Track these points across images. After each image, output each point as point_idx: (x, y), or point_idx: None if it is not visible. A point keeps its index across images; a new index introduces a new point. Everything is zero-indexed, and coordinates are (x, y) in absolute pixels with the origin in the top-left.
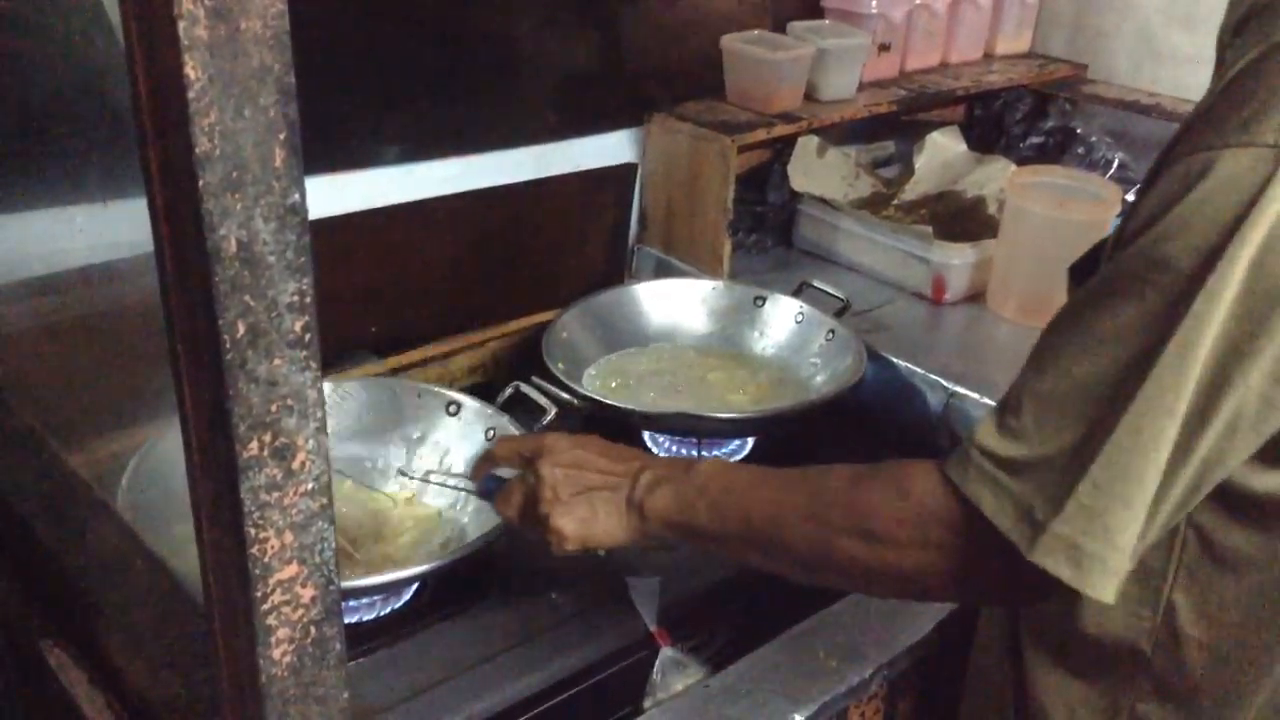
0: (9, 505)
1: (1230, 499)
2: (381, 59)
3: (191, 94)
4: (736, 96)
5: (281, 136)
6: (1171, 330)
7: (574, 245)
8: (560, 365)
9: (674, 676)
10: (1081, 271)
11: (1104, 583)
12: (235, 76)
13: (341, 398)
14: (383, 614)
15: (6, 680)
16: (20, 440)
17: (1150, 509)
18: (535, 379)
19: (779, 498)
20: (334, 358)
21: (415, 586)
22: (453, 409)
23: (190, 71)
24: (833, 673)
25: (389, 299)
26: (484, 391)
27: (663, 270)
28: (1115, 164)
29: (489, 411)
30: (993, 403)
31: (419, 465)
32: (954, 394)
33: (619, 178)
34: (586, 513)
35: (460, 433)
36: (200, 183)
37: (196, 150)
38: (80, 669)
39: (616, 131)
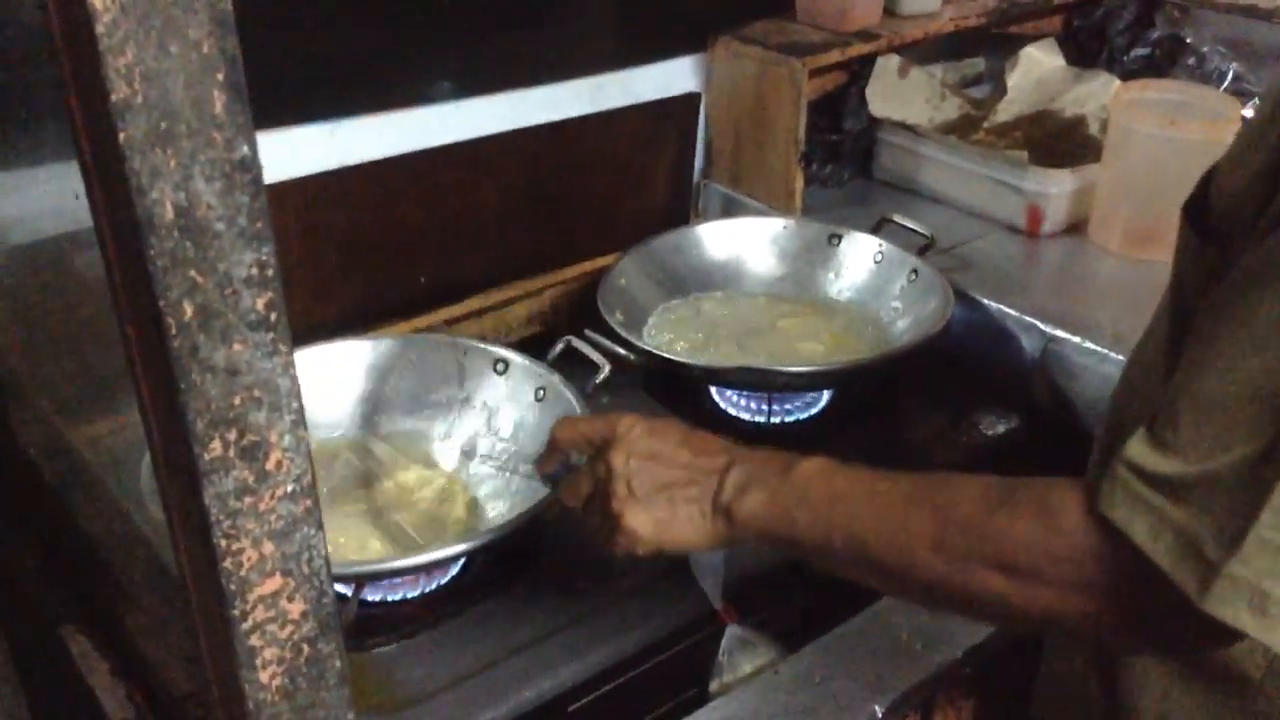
0: (41, 480)
1: None
2: None
3: (100, 28)
4: (807, 14)
5: (220, 76)
6: None
7: (635, 184)
8: (618, 315)
9: (742, 656)
10: (1197, 209)
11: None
12: (155, 4)
13: (380, 357)
14: (427, 590)
15: (28, 664)
16: (45, 419)
17: None
18: (589, 332)
19: (900, 521)
20: (381, 310)
21: (460, 563)
22: (500, 367)
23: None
24: (917, 656)
25: (438, 246)
26: (542, 343)
27: (730, 208)
28: (1230, 76)
29: (539, 370)
30: (1096, 348)
31: (464, 428)
32: (1052, 338)
33: (681, 109)
34: (665, 513)
35: (508, 393)
36: (122, 136)
37: (113, 97)
38: (102, 658)
39: (677, 58)
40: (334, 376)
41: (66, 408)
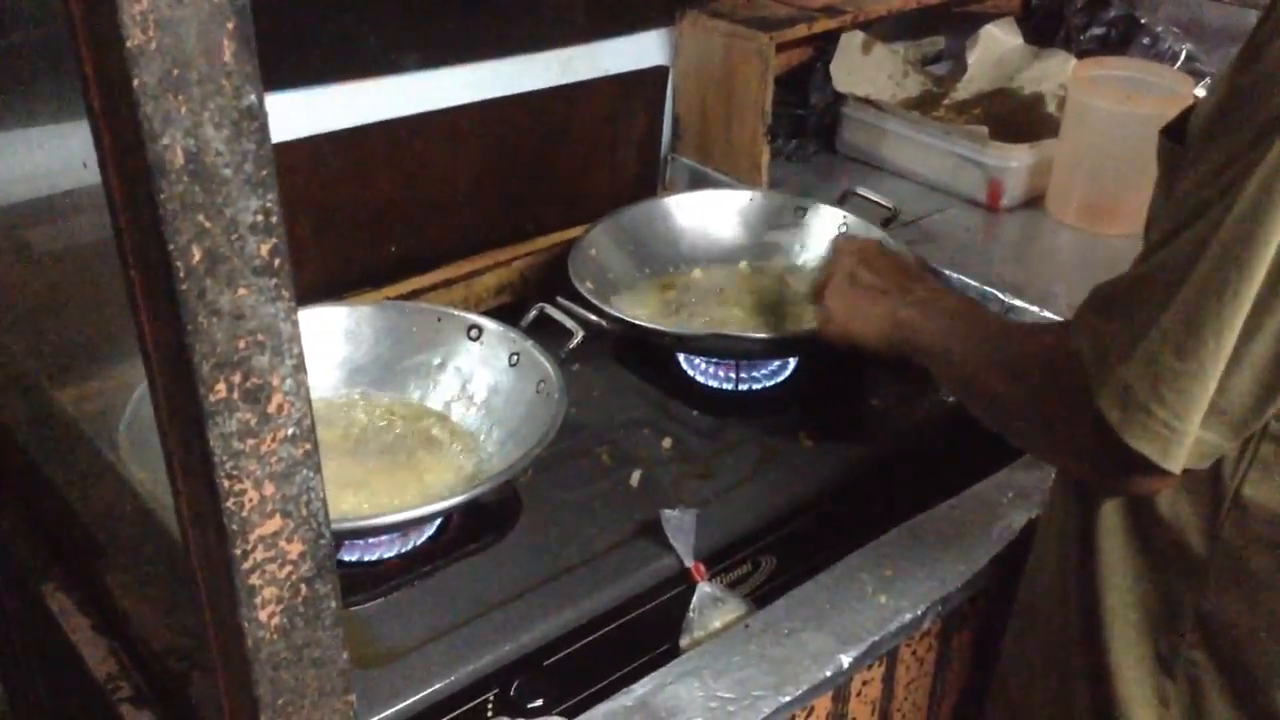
0: (17, 443)
1: None
2: None
3: None
4: None
5: (230, 26)
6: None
7: (604, 156)
8: (588, 284)
9: (712, 613)
10: (1177, 133)
11: (1147, 438)
12: None
13: (356, 323)
14: (404, 551)
15: (13, 624)
16: (24, 379)
17: (1222, 377)
18: (562, 300)
19: (971, 342)
20: (351, 279)
21: (438, 522)
22: (474, 333)
23: None
24: (882, 609)
25: (408, 217)
26: (512, 313)
27: (698, 181)
28: (1183, 55)
29: (513, 335)
30: (1054, 316)
31: (440, 394)
32: (1011, 307)
33: (650, 82)
34: (859, 306)
35: (482, 358)
36: (135, 82)
37: (128, 43)
38: (82, 615)
39: (646, 31)
40: (308, 343)
41: (46, 370)
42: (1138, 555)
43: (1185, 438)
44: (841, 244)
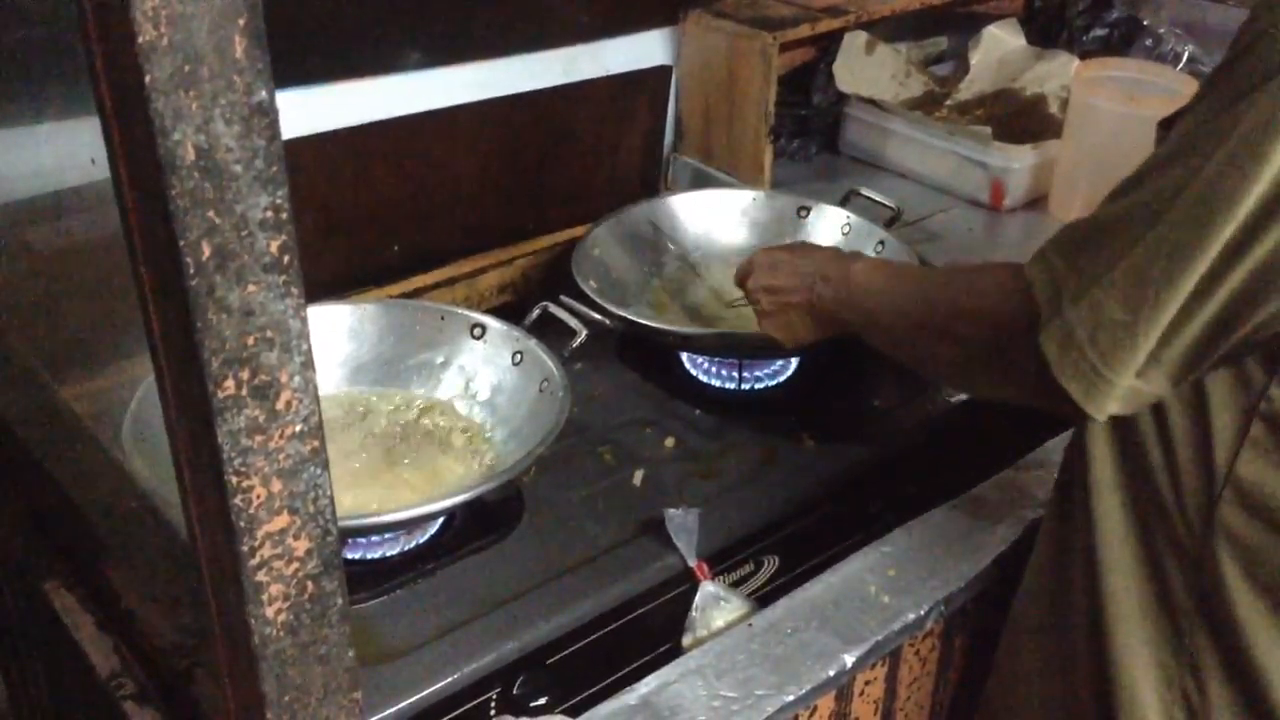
0: (20, 441)
1: None
2: None
3: None
4: None
5: (241, 22)
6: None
7: (606, 155)
8: (591, 283)
9: (715, 612)
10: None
11: (1078, 380)
12: None
13: (359, 321)
14: (407, 549)
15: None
16: (27, 376)
17: (1165, 332)
18: (565, 298)
19: (900, 301)
20: (353, 278)
21: (441, 520)
22: (477, 332)
23: None
24: (885, 609)
25: (411, 215)
26: (514, 312)
27: (700, 181)
28: (1185, 57)
29: (515, 334)
30: None
31: (443, 393)
32: None
33: (653, 82)
34: (785, 322)
35: (485, 356)
36: (147, 78)
37: (140, 39)
38: (86, 612)
39: (650, 31)
40: (311, 341)
41: (49, 367)
42: (1139, 541)
43: (1114, 387)
44: (742, 267)
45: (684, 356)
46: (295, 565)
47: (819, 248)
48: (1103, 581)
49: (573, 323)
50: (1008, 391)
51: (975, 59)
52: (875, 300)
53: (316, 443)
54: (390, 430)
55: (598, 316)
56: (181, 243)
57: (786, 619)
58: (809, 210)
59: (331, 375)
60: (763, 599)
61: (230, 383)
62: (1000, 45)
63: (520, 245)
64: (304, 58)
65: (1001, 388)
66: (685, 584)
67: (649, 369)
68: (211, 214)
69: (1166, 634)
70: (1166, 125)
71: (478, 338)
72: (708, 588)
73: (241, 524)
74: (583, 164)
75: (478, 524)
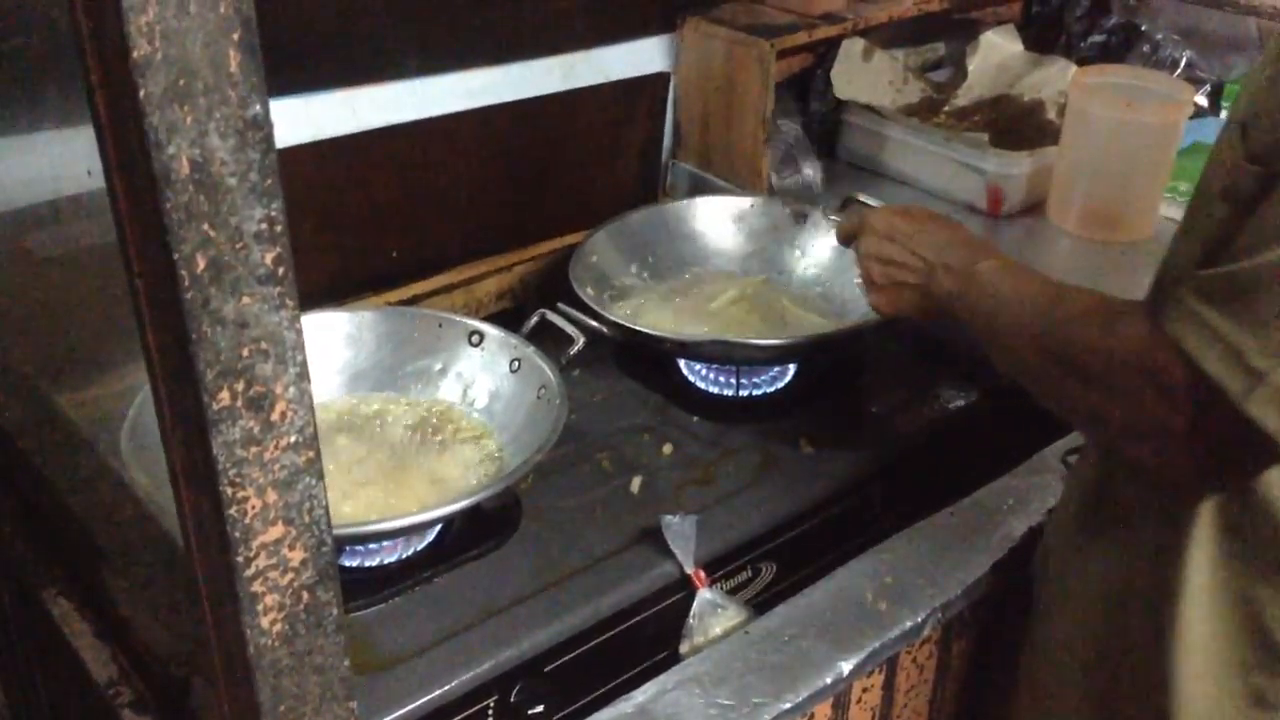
0: (18, 449)
1: None
2: None
3: None
4: None
5: (235, 36)
6: None
7: (605, 162)
8: (589, 290)
9: (712, 620)
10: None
11: None
12: None
13: (358, 328)
14: (404, 556)
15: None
16: (24, 383)
17: None
18: (562, 306)
19: (1025, 324)
20: (351, 284)
21: (438, 528)
22: (475, 339)
23: None
24: (882, 616)
25: (409, 222)
26: (512, 318)
27: (698, 187)
28: (1183, 63)
29: (513, 341)
30: None
31: (440, 399)
32: None
33: (651, 88)
34: (894, 298)
35: (483, 364)
36: (141, 93)
37: (134, 54)
38: (83, 620)
39: (648, 38)
40: (309, 348)
41: (47, 375)
42: (1231, 559)
43: None
44: (850, 223)
45: (682, 363)
46: (290, 575)
47: (942, 223)
48: (1175, 610)
49: (570, 330)
50: (1135, 449)
51: (973, 65)
52: (996, 306)
53: (311, 453)
54: (388, 437)
55: (595, 324)
56: (176, 255)
57: (784, 626)
58: (806, 216)
59: (330, 382)
60: (760, 606)
61: (225, 394)
62: (998, 51)
63: (518, 252)
64: (304, 65)
65: (1129, 444)
66: (683, 591)
67: (647, 376)
68: (206, 227)
69: (1260, 680)
70: (1258, 160)
71: (476, 345)
72: (705, 595)
73: (237, 534)
74: (581, 170)
75: (475, 531)
